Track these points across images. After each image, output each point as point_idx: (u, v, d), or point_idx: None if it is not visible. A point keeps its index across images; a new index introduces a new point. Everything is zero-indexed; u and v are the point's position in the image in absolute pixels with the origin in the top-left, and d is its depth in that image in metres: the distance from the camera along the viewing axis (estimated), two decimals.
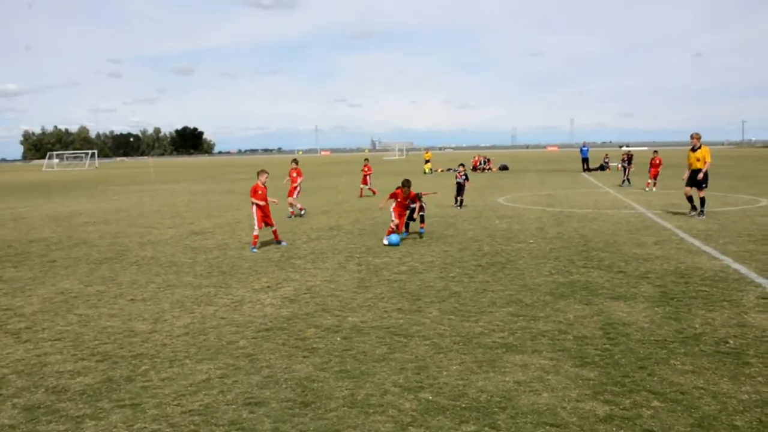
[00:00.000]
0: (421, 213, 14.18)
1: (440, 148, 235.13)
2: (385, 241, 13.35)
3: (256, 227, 13.33)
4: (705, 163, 16.35)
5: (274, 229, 13.70)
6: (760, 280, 9.10)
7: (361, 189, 27.32)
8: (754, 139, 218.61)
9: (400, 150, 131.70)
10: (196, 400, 5.33)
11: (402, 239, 13.63)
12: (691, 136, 16.73)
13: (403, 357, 6.26)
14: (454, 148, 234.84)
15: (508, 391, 5.34)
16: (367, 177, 27.46)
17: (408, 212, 14.17)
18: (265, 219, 13.46)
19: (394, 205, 13.86)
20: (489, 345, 6.56)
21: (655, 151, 29.34)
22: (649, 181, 26.93)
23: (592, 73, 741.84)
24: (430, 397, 5.25)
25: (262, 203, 13.33)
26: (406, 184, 13.78)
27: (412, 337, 6.91)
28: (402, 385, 5.53)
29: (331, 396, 5.34)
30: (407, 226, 14.37)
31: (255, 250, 12.98)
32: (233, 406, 5.18)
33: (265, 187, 13.53)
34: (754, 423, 4.63)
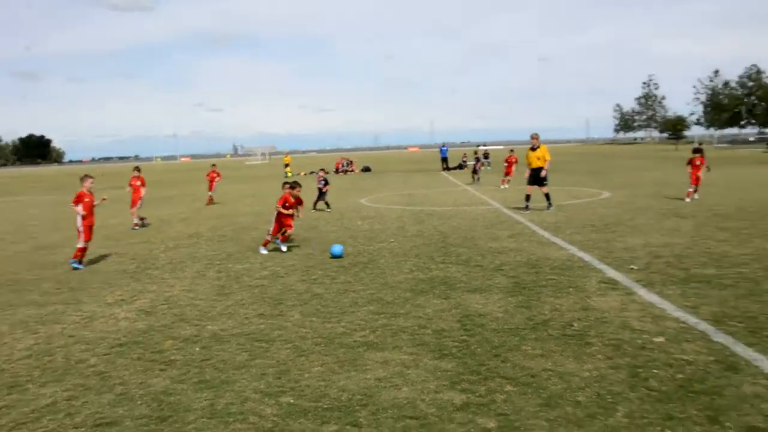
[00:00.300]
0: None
1: (303, 152, 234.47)
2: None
3: (81, 240, 12.14)
4: (545, 161, 17.30)
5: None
6: (601, 266, 9.79)
7: (210, 196, 26.27)
8: (596, 136, 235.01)
9: (263, 154, 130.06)
10: (39, 427, 4.97)
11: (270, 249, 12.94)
12: (531, 137, 17.66)
13: (264, 362, 6.17)
14: (317, 152, 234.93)
15: (369, 388, 5.40)
16: (213, 183, 26.58)
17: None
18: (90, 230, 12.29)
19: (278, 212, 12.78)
20: (350, 344, 6.60)
21: (511, 150, 30.80)
22: (504, 178, 28.20)
23: (450, 75, 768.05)
24: (292, 401, 5.21)
25: (83, 213, 12.11)
26: (296, 185, 13.31)
27: (274, 341, 6.83)
28: (263, 390, 5.45)
29: (190, 408, 5.16)
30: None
31: (80, 266, 11.88)
32: (82, 429, 4.88)
33: (91, 194, 12.44)
34: (594, 397, 4.97)
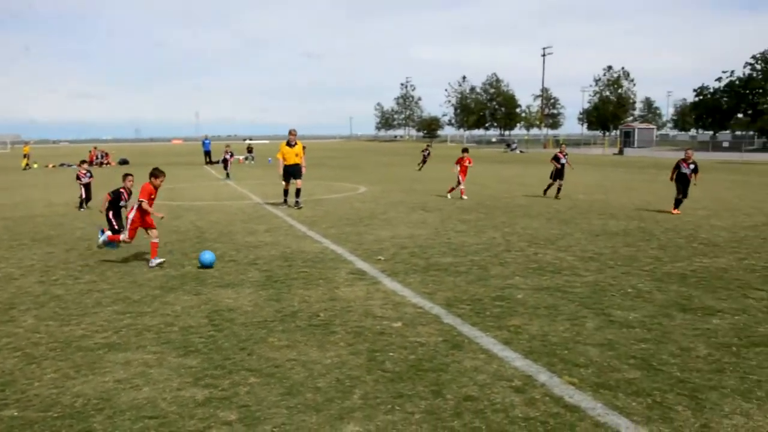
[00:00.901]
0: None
1: (54, 142, 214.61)
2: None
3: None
4: (301, 157, 17.54)
5: None
6: (352, 257, 10.25)
7: None
8: (360, 133, 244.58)
9: (3, 143, 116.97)
10: None
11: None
12: (289, 132, 17.71)
13: None
14: (70, 142, 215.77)
15: (108, 391, 5.14)
16: None
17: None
18: None
19: (138, 207, 10.16)
20: (90, 347, 6.22)
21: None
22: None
23: (216, 67, 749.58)
24: (16, 413, 4.78)
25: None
26: (159, 174, 10.42)
27: (0, 350, 6.22)
28: None
29: None
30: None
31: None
32: None
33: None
34: (333, 382, 5.22)
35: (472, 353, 5.88)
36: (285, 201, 17.76)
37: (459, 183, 20.02)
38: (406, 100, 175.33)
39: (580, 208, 17.00)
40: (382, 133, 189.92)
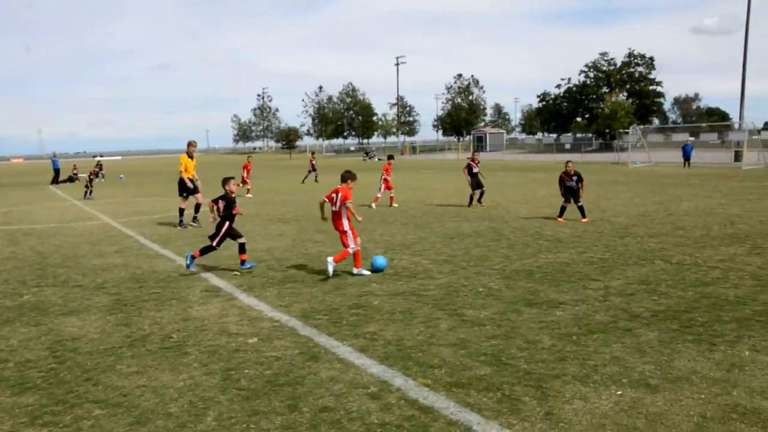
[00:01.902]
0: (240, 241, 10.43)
1: None
2: (365, 272, 9.71)
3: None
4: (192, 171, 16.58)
5: None
6: (206, 275, 9.98)
7: None
8: (217, 146, 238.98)
9: None
10: None
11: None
12: (189, 144, 16.72)
13: None
14: None
15: None
16: None
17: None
18: None
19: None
20: None
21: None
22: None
23: (63, 81, 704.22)
24: None
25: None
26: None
27: None
28: None
29: None
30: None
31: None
32: None
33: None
34: (186, 406, 5.04)
35: (328, 363, 5.89)
36: (182, 222, 16.32)
37: (382, 191, 20.03)
38: (263, 112, 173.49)
39: (435, 213, 17.55)
40: (241, 145, 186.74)
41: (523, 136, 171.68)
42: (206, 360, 6.10)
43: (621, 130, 62.84)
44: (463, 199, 20.87)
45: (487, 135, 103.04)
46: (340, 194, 9.65)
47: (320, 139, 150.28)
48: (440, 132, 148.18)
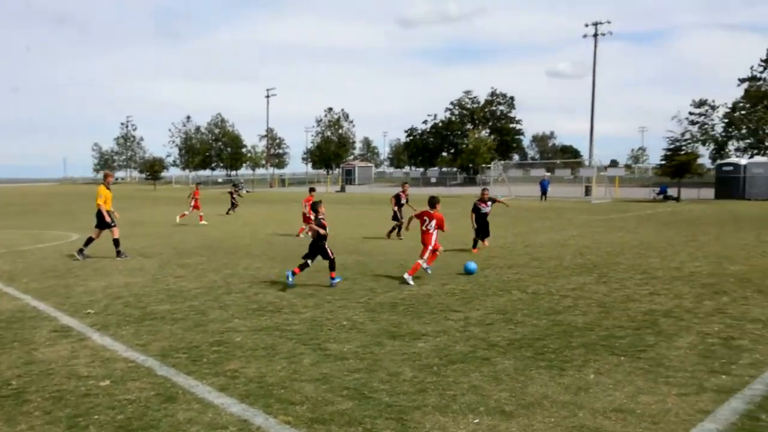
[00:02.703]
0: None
1: None
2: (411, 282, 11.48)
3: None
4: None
5: None
6: (56, 313, 9.33)
7: None
8: (76, 175, 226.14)
9: None
10: None
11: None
12: (106, 175, 16.56)
13: None
14: None
15: None
16: None
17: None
18: None
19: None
20: None
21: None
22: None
23: None
24: None
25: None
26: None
27: None
28: None
29: None
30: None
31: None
32: None
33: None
34: None
35: (186, 404, 5.65)
36: (81, 251, 15.34)
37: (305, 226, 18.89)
38: (126, 141, 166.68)
39: (303, 246, 17.42)
40: (101, 175, 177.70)
41: (392, 169, 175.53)
42: (50, 407, 5.66)
43: (483, 165, 65.73)
44: (331, 232, 20.99)
45: (356, 168, 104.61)
46: (434, 221, 12.23)
47: (187, 170, 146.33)
48: (310, 165, 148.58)
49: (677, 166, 45.91)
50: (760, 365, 6.66)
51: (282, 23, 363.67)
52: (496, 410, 5.43)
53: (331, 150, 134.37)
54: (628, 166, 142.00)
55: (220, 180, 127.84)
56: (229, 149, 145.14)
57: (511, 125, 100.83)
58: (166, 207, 38.36)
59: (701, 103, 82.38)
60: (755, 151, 78.20)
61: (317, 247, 11.49)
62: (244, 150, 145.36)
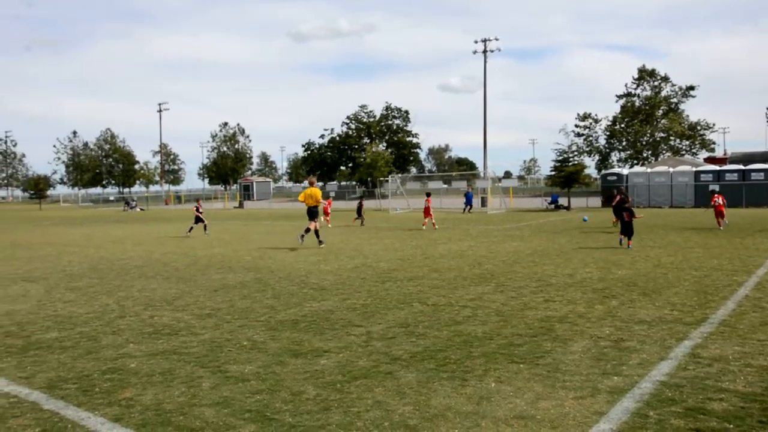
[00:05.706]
0: None
1: None
2: None
3: None
4: None
5: None
6: None
7: None
8: None
9: None
10: None
11: None
12: None
13: None
14: None
15: None
16: None
17: None
18: None
19: None
20: None
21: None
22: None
23: None
24: None
25: None
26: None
27: None
28: None
29: None
30: None
31: None
32: None
33: None
34: None
35: None
36: None
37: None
38: (6, 158, 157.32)
39: (200, 265, 16.98)
40: None
41: (290, 184, 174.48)
42: None
43: (381, 179, 66.31)
44: (229, 249, 20.57)
45: (254, 184, 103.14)
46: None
47: (76, 188, 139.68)
48: (206, 180, 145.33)
49: (566, 176, 47.98)
50: (647, 365, 7.02)
51: (174, 38, 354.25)
52: (400, 425, 5.44)
53: (228, 165, 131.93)
54: (521, 177, 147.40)
55: (111, 198, 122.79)
56: (120, 166, 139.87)
57: (408, 139, 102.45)
58: (56, 228, 36.40)
59: (585, 117, 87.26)
60: (635, 162, 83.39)
61: None
62: (136, 167, 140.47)
